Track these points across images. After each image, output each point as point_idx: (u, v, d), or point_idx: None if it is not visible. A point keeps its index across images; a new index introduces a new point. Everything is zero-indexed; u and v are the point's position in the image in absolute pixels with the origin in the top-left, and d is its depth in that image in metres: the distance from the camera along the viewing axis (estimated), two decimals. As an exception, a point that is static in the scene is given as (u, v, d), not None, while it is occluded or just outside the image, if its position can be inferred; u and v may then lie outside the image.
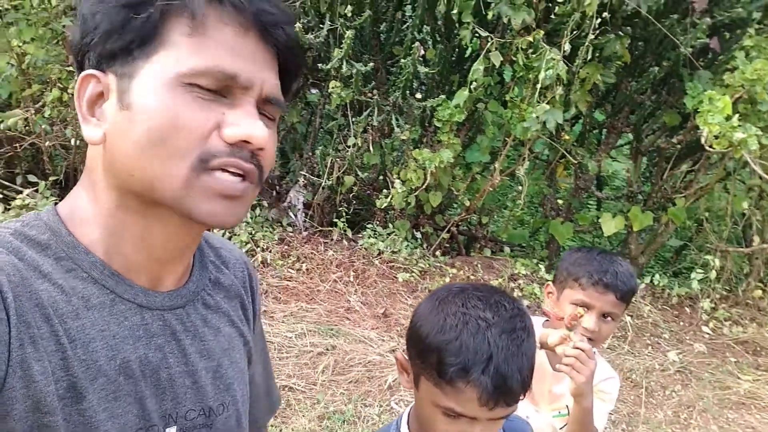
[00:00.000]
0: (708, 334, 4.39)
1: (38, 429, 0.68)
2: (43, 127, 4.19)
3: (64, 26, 4.09)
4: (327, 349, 3.51)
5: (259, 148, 0.75)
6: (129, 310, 0.78)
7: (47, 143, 4.34)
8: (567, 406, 1.75)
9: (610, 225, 4.51)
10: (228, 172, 0.74)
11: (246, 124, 0.74)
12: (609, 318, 1.68)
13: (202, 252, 0.94)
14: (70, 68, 4.12)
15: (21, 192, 4.08)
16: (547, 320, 1.81)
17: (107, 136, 0.75)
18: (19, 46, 4.03)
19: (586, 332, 1.64)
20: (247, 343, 0.98)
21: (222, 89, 0.74)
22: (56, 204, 0.81)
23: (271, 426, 2.87)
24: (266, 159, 0.79)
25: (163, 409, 0.81)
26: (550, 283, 1.82)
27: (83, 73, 0.76)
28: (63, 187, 4.50)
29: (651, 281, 4.77)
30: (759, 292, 4.75)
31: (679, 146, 4.57)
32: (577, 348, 1.52)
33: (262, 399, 1.09)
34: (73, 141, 4.29)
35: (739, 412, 3.58)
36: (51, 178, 4.36)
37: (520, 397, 1.05)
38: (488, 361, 0.99)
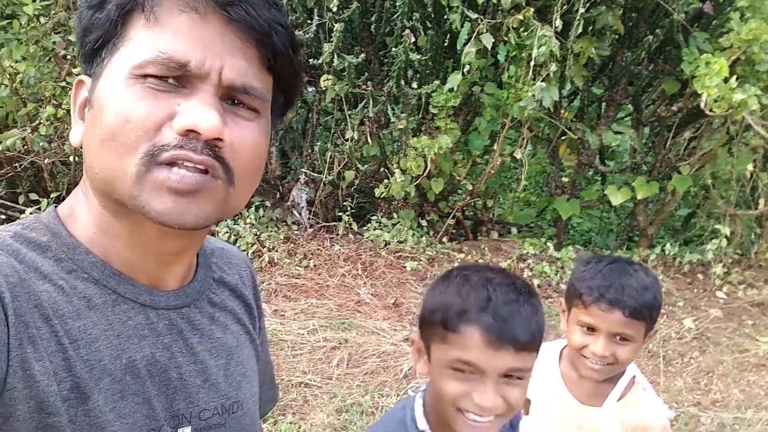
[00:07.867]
0: (723, 298, 4.35)
1: (43, 430, 0.67)
2: (41, 144, 4.20)
3: (54, 42, 4.09)
4: (340, 343, 3.51)
5: (216, 138, 0.70)
6: (132, 309, 0.77)
7: (47, 161, 4.35)
8: None
9: (617, 196, 4.49)
10: (181, 166, 0.70)
11: (194, 113, 0.69)
12: (623, 339, 1.44)
13: (205, 252, 0.92)
14: (63, 84, 4.12)
15: (24, 211, 4.10)
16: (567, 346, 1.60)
17: (83, 138, 0.76)
18: (12, 66, 4.04)
19: (596, 358, 1.45)
20: (253, 340, 0.96)
21: (179, 79, 0.70)
22: (56, 206, 0.80)
23: (290, 423, 2.87)
24: (234, 152, 0.73)
25: (174, 408, 0.79)
26: (561, 300, 1.57)
27: (76, 79, 0.78)
28: (67, 204, 4.51)
29: (662, 250, 4.73)
30: (772, 254, 4.71)
31: (679, 114, 4.54)
32: None
33: (266, 389, 1.07)
34: (72, 157, 4.30)
35: (760, 373, 3.55)
36: (53, 195, 4.37)
37: (530, 349, 1.01)
38: (487, 301, 1.00)
